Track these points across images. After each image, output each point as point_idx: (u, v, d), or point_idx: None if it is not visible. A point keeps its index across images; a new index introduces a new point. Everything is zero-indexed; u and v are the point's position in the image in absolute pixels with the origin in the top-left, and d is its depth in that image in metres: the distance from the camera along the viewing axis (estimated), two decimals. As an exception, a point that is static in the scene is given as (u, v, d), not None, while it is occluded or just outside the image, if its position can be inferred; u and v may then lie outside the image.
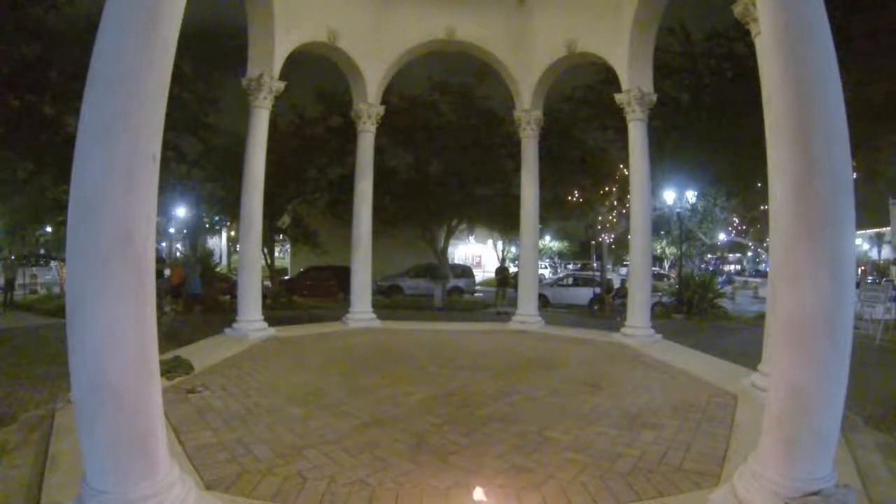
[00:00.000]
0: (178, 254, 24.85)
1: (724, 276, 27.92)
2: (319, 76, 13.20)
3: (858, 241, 35.47)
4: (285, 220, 18.05)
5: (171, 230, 23.15)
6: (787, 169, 2.30)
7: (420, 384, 4.64)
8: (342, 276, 13.86)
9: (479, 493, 2.46)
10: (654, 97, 7.15)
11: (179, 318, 11.20)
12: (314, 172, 16.52)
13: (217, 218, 21.24)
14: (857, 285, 13.23)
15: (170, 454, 2.21)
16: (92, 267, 1.96)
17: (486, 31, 8.17)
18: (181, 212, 19.72)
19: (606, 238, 18.90)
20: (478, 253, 35.05)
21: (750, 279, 31.39)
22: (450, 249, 20.67)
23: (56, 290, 16.77)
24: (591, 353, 6.34)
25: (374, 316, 8.49)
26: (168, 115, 2.20)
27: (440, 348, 6.50)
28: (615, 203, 16.98)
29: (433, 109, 14.89)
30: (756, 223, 20.29)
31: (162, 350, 2.38)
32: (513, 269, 19.34)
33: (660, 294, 15.21)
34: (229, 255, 29.26)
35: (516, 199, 9.49)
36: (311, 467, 2.84)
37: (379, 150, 9.75)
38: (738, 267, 41.49)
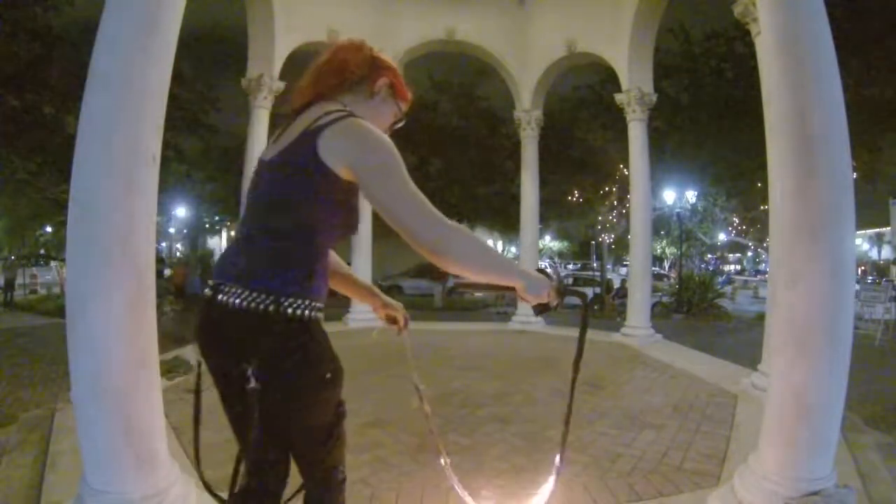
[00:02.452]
0: (177, 254, 24.84)
1: (723, 276, 27.94)
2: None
3: (858, 241, 35.46)
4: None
5: (171, 230, 23.16)
6: (787, 169, 2.29)
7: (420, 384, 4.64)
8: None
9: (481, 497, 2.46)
10: (654, 97, 7.14)
11: (179, 317, 11.20)
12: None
13: (217, 218, 21.25)
14: (857, 283, 13.22)
15: (170, 454, 2.21)
16: (92, 267, 1.96)
17: (486, 31, 8.17)
18: (181, 212, 19.73)
19: (606, 238, 18.91)
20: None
21: (750, 279, 31.39)
22: (450, 249, 20.58)
23: (56, 290, 16.77)
24: (590, 352, 6.27)
25: (374, 316, 8.49)
26: (168, 115, 2.20)
27: (440, 348, 6.50)
28: (615, 203, 17.00)
29: (433, 109, 14.90)
30: (756, 223, 20.32)
31: (162, 350, 2.37)
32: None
33: (660, 294, 15.22)
34: (229, 255, 29.23)
35: (516, 199, 9.49)
36: (311, 467, 2.84)
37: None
38: (738, 267, 41.48)
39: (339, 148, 1.14)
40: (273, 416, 1.18)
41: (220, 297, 1.18)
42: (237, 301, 1.15)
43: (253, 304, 1.14)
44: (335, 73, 1.30)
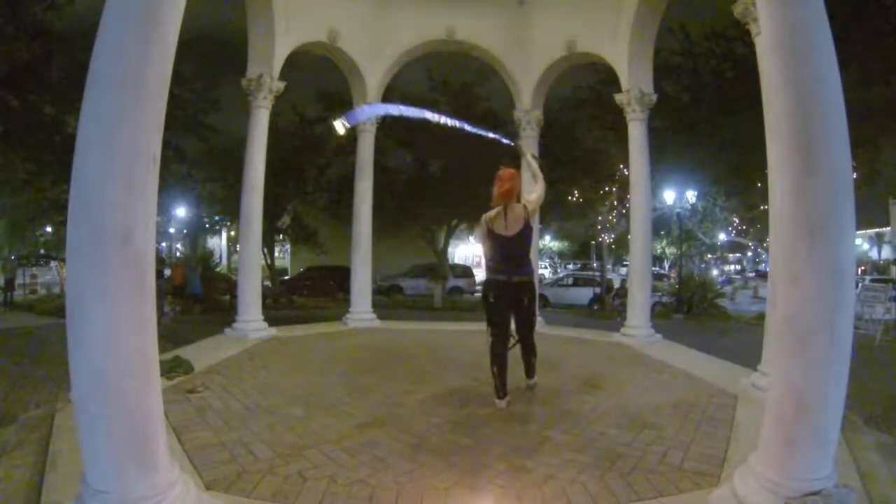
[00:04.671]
0: (178, 254, 24.82)
1: (723, 277, 27.94)
2: (319, 76, 13.20)
3: (858, 241, 35.45)
4: (285, 220, 18.07)
5: (171, 230, 23.14)
6: (787, 169, 2.29)
7: (420, 384, 4.64)
8: (342, 276, 13.88)
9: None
10: (654, 97, 7.13)
11: (179, 318, 11.20)
12: (314, 172, 16.51)
13: (217, 218, 21.24)
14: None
15: (170, 454, 2.21)
16: (92, 267, 1.96)
17: (485, 31, 8.16)
18: (181, 212, 19.72)
19: (606, 238, 18.91)
20: (478, 253, 35.01)
21: (749, 278, 31.38)
22: (450, 249, 20.67)
23: (56, 290, 16.78)
24: (590, 353, 6.34)
25: (374, 316, 8.48)
26: (168, 115, 2.19)
27: (440, 348, 6.50)
28: (615, 203, 17.00)
29: (433, 109, 14.88)
30: (756, 223, 20.31)
31: (162, 350, 2.38)
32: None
33: (660, 294, 15.21)
34: (229, 255, 29.24)
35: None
36: (311, 467, 2.84)
37: (379, 150, 9.74)
38: (738, 267, 41.43)
39: (532, 214, 4.11)
40: (529, 314, 4.20)
41: (514, 277, 4.01)
42: (525, 278, 4.10)
43: (527, 278, 4.13)
44: (516, 184, 4.07)
